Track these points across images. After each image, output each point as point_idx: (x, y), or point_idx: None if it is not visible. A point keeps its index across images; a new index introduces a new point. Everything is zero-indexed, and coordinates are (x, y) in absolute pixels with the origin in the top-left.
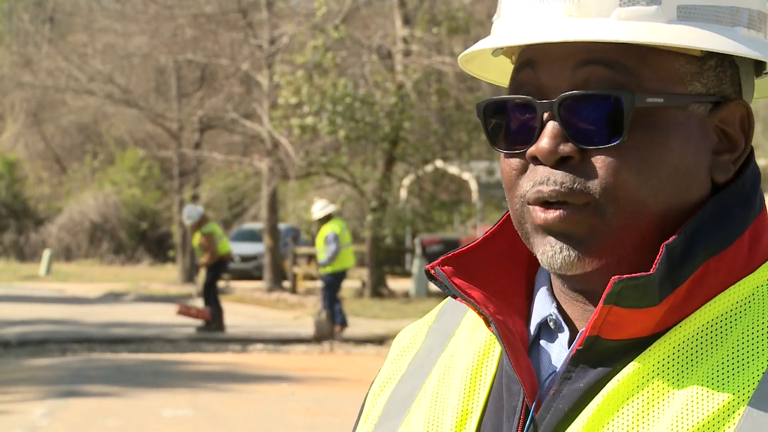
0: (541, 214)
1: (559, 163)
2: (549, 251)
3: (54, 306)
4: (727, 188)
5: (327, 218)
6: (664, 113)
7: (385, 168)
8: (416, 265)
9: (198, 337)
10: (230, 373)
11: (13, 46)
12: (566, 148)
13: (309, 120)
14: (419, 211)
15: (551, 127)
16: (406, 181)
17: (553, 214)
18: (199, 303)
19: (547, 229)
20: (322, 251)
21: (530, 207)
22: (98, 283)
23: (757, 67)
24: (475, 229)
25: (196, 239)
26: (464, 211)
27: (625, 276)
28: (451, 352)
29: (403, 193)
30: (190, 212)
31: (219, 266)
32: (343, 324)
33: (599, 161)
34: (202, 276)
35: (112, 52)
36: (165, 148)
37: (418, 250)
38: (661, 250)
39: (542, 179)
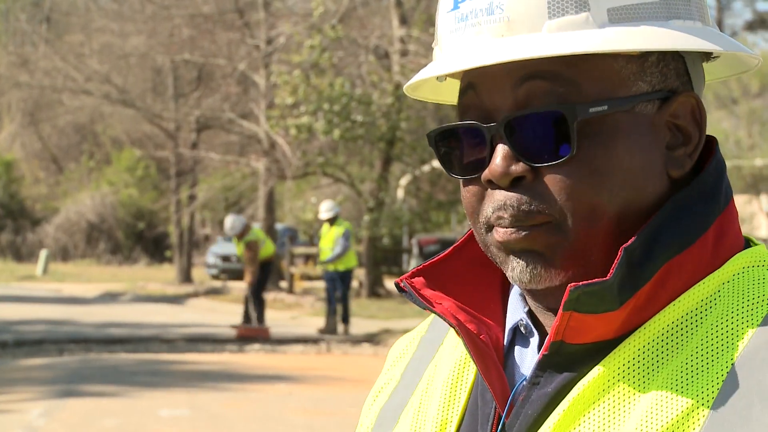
0: (503, 234)
1: (514, 184)
2: (515, 270)
3: (51, 306)
4: (688, 186)
5: (334, 219)
6: (610, 119)
7: (382, 168)
8: (413, 265)
9: (195, 337)
10: (228, 373)
11: (9, 46)
12: (518, 168)
13: (305, 120)
14: (416, 211)
15: (501, 148)
16: (403, 181)
17: (512, 233)
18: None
19: (510, 248)
20: (329, 249)
21: (494, 228)
22: (95, 283)
23: (707, 52)
24: None
25: (241, 249)
26: (461, 211)
27: (581, 283)
28: (437, 362)
29: (400, 193)
30: (234, 224)
31: (265, 269)
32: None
33: (552, 178)
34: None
35: (109, 52)
36: (162, 148)
37: (416, 250)
38: (619, 254)
39: (500, 204)
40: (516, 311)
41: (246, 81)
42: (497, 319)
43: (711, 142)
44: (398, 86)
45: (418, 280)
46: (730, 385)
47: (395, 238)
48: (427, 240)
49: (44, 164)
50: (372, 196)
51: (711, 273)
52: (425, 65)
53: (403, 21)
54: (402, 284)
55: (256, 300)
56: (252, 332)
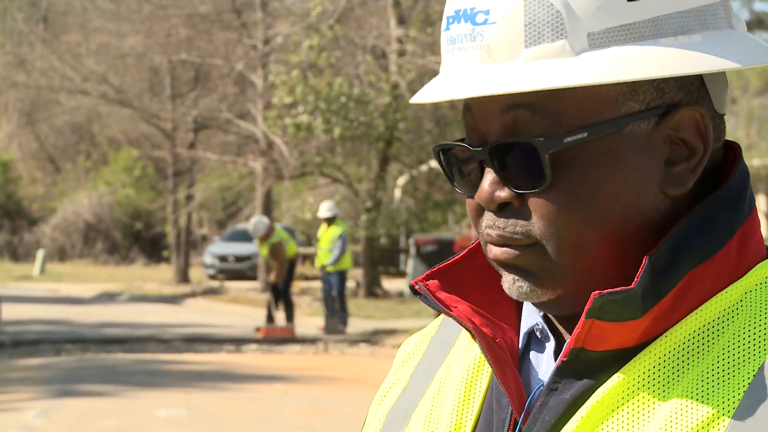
0: (493, 249)
1: (501, 208)
2: (506, 284)
3: (48, 306)
4: (713, 193)
5: (332, 219)
6: (595, 144)
7: (380, 168)
8: (410, 265)
9: (192, 337)
10: (224, 372)
11: (6, 45)
12: (503, 193)
13: (304, 118)
14: (414, 211)
15: (488, 173)
16: (401, 181)
17: (501, 249)
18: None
19: (500, 263)
20: (327, 250)
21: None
22: (92, 284)
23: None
24: (469, 229)
25: (265, 251)
26: (458, 211)
27: (606, 291)
28: (449, 364)
29: (398, 193)
30: (257, 227)
31: (289, 269)
32: (345, 323)
33: (535, 204)
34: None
35: (106, 52)
36: (159, 148)
37: (413, 250)
38: (643, 262)
39: (488, 224)
40: (531, 315)
41: (243, 81)
42: (512, 323)
43: (735, 150)
44: (395, 86)
45: (433, 283)
46: (753, 394)
47: (392, 238)
48: (424, 240)
49: (41, 164)
50: (369, 196)
51: (733, 281)
52: (422, 65)
53: (401, 21)
54: (417, 287)
55: (284, 300)
56: (277, 332)
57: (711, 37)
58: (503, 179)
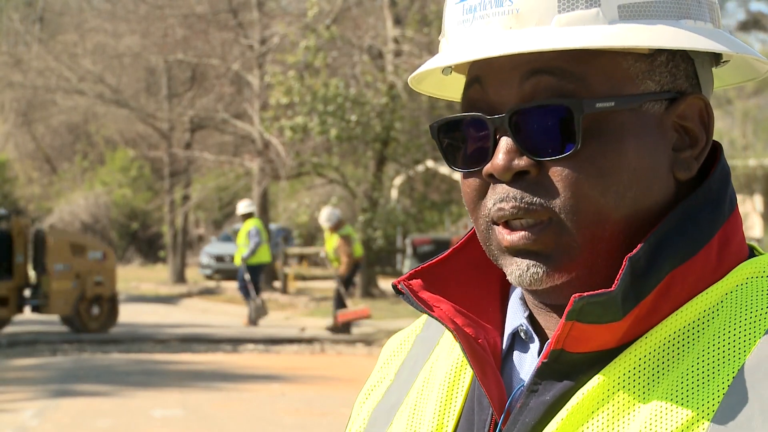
0: (507, 237)
1: (516, 178)
2: (516, 270)
3: None
4: (694, 193)
5: (248, 216)
6: (617, 116)
7: (376, 168)
8: (407, 265)
9: (189, 337)
10: (221, 373)
11: (3, 45)
12: (521, 162)
13: (300, 119)
14: (410, 212)
15: (504, 142)
16: (397, 182)
17: (518, 235)
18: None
19: (513, 250)
20: (244, 245)
21: (496, 228)
22: None
23: (716, 56)
24: (465, 229)
25: (332, 242)
26: (455, 211)
27: (585, 294)
28: (432, 363)
29: (394, 194)
30: (330, 216)
31: (353, 269)
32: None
33: (556, 173)
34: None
35: (102, 52)
36: (155, 149)
37: (409, 251)
38: (624, 263)
39: (501, 197)
40: (516, 316)
41: (240, 81)
42: (495, 323)
43: (716, 149)
44: (392, 86)
45: (416, 282)
46: (732, 397)
47: (389, 239)
48: (420, 240)
49: (37, 164)
50: (366, 197)
51: (714, 282)
52: (419, 65)
53: (397, 21)
54: (399, 286)
55: (339, 294)
56: (351, 315)
57: (719, 31)
58: (523, 146)
